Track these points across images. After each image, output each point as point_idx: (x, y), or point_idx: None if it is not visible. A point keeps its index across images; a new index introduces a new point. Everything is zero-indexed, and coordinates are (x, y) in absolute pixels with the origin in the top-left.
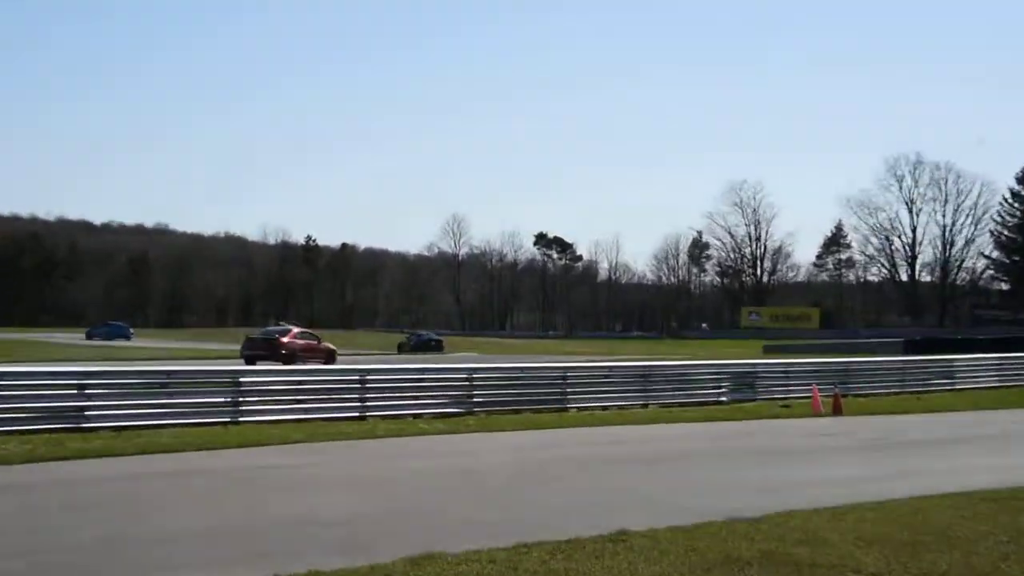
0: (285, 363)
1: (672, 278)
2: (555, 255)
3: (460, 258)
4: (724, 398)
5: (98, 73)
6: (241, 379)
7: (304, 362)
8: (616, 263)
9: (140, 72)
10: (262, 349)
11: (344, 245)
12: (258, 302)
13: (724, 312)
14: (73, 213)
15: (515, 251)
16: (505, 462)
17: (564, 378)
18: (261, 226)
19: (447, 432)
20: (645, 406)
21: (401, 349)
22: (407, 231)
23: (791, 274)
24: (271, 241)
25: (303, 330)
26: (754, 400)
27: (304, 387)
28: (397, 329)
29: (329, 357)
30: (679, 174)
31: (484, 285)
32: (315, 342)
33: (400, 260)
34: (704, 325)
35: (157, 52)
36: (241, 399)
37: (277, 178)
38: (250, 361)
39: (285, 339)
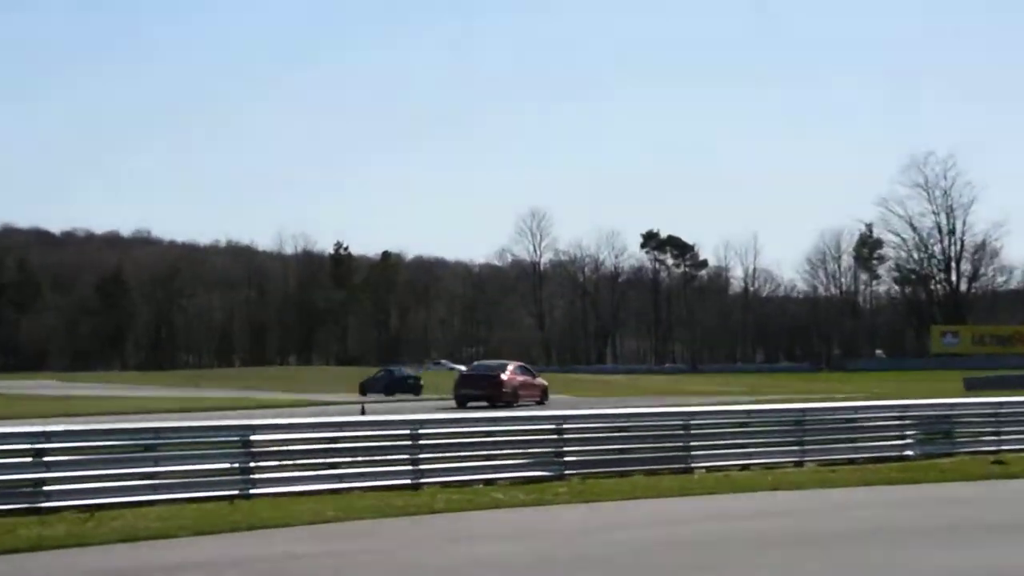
0: (505, 405)
1: (832, 288)
2: (671, 261)
3: (542, 267)
4: (910, 451)
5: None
6: (253, 437)
7: (520, 403)
8: (754, 270)
9: (115, 48)
10: (480, 388)
11: (387, 255)
12: (273, 332)
13: (906, 333)
14: (23, 220)
15: (616, 256)
16: (617, 545)
17: (687, 428)
18: (275, 232)
19: (531, 503)
20: (800, 464)
21: (365, 389)
22: (469, 235)
23: (1000, 280)
24: (288, 251)
25: (519, 364)
26: (952, 454)
27: (337, 445)
28: (448, 365)
29: (544, 395)
30: (838, 148)
31: (575, 303)
32: (531, 378)
33: (461, 272)
34: (879, 352)
35: (138, 29)
36: (253, 464)
37: (296, 170)
38: (463, 403)
39: (505, 376)
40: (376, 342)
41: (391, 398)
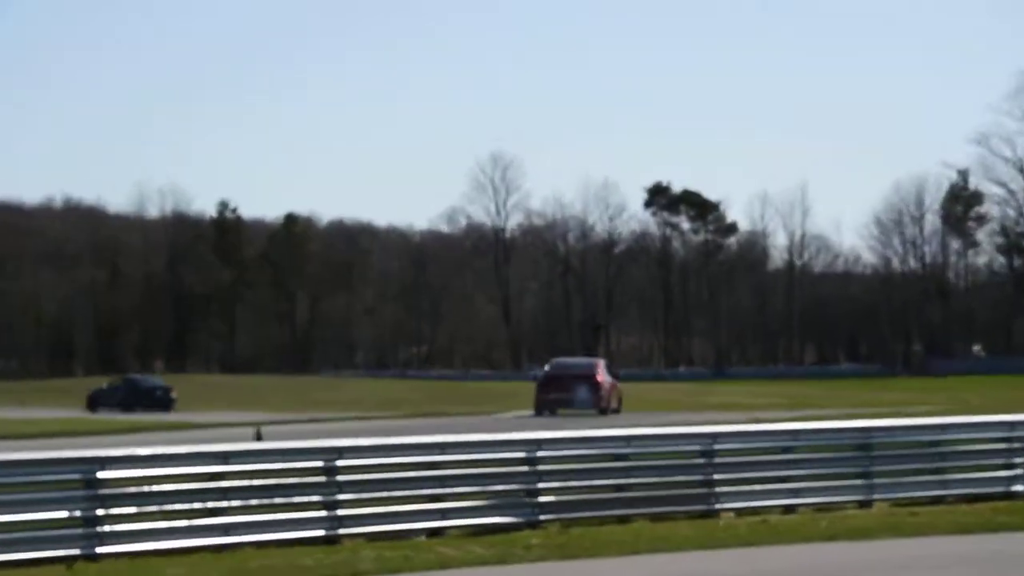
0: (601, 413)
1: (912, 261)
2: (687, 225)
3: (508, 234)
4: (1020, 486)
5: None
6: (101, 474)
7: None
8: (802, 236)
9: None
10: (569, 391)
11: (292, 219)
12: (129, 329)
13: (1014, 323)
14: None
15: (611, 220)
16: None
17: (710, 455)
18: (133, 188)
19: (493, 561)
20: (866, 504)
21: (95, 403)
22: (407, 192)
23: None
24: (152, 214)
25: (602, 360)
26: None
27: (223, 484)
28: (391, 372)
29: (620, 403)
30: (917, 66)
31: (554, 284)
32: (616, 380)
33: (396, 243)
34: (977, 348)
35: None
36: (101, 511)
37: (161, 104)
38: (546, 410)
39: (600, 376)
40: (275, 341)
41: (129, 414)
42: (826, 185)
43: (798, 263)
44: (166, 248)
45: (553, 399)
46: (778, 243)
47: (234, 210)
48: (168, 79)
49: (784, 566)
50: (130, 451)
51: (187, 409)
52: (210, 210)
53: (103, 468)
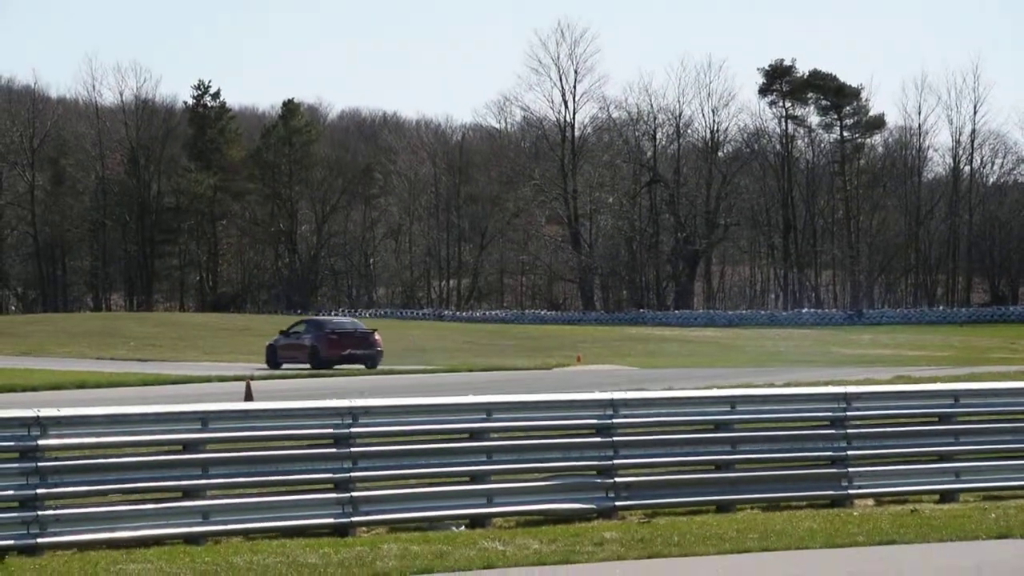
0: None
1: None
2: (816, 119)
3: (577, 131)
4: None
5: None
6: (43, 440)
7: None
8: (973, 134)
9: None
10: None
11: (291, 107)
12: (80, 250)
13: None
14: None
15: (714, 112)
16: None
17: (843, 423)
18: (82, 66)
19: (554, 561)
20: None
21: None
22: (443, 75)
23: None
24: (109, 99)
25: None
26: None
27: (200, 456)
28: (422, 313)
29: None
30: None
31: (637, 197)
32: None
33: (430, 142)
34: None
35: None
36: (43, 490)
37: None
38: None
39: None
40: (270, 271)
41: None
42: (1005, 66)
43: (966, 170)
44: (125, 145)
45: None
46: (940, 143)
47: (216, 95)
48: None
49: (939, 571)
50: (80, 411)
51: (154, 357)
52: (184, 95)
53: (44, 433)
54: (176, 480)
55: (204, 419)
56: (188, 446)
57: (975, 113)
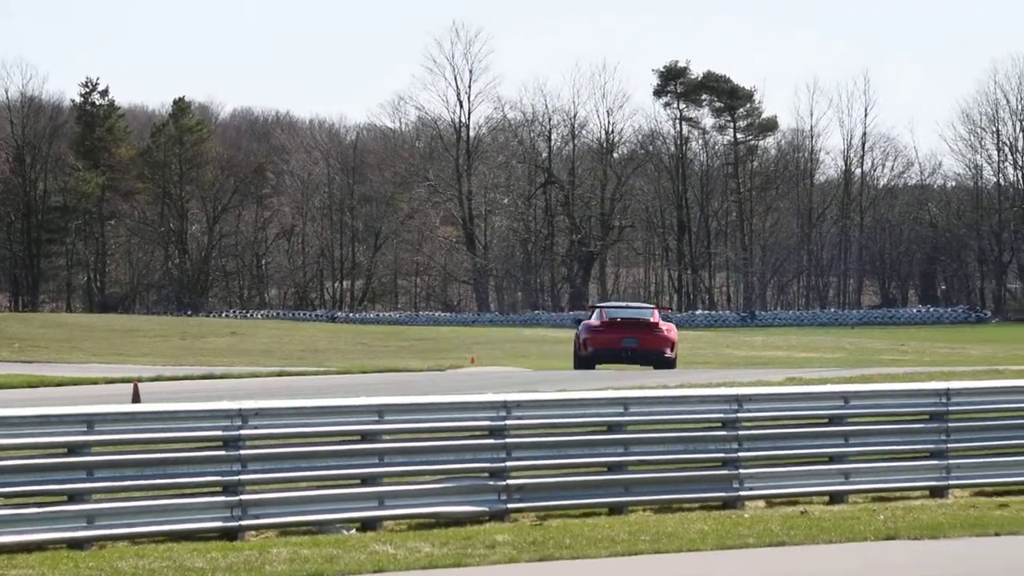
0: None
1: (1013, 171)
2: (710, 120)
3: (471, 132)
4: None
5: None
6: None
7: None
8: (864, 136)
9: None
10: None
11: (182, 105)
12: None
13: None
14: None
15: (609, 113)
16: None
17: (734, 424)
18: None
19: (445, 564)
20: (940, 492)
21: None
22: (337, 74)
23: None
24: None
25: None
26: None
27: (85, 459)
28: (315, 314)
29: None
30: None
31: (533, 199)
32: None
33: (323, 142)
34: None
35: None
36: None
37: None
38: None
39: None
40: (159, 272)
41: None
42: (895, 70)
43: (857, 173)
44: (11, 143)
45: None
46: (831, 146)
47: (104, 93)
48: None
49: (828, 573)
50: None
51: (39, 359)
52: (71, 93)
53: None
54: (60, 484)
55: (89, 421)
56: (73, 449)
57: (866, 116)
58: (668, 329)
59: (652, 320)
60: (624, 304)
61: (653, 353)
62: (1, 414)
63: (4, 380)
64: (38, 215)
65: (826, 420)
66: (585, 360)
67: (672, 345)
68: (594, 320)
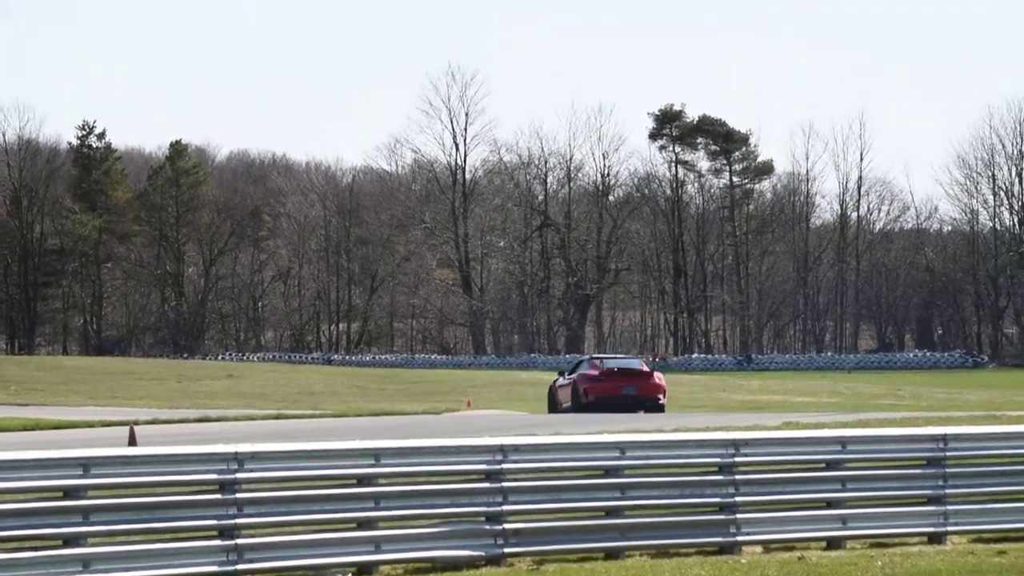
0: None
1: (1009, 216)
2: (706, 164)
3: (467, 175)
4: None
5: None
6: None
7: None
8: (860, 180)
9: None
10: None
11: (179, 148)
12: None
13: None
14: None
15: (604, 156)
16: None
17: (730, 469)
18: None
19: None
20: (938, 538)
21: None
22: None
23: None
24: None
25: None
26: None
27: (80, 503)
28: (311, 357)
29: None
30: None
31: (529, 242)
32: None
33: (319, 185)
34: None
35: None
36: None
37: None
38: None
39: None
40: (155, 315)
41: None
42: (891, 114)
43: (853, 217)
44: (8, 186)
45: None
46: (827, 190)
47: (101, 136)
48: None
49: None
50: None
51: (36, 402)
52: (68, 136)
53: None
54: (56, 527)
55: (86, 465)
56: (69, 492)
57: (861, 160)
58: (659, 377)
59: (646, 369)
60: (611, 355)
61: (649, 400)
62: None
63: (0, 423)
64: (35, 258)
65: (823, 465)
66: (585, 407)
67: (664, 392)
68: (590, 371)
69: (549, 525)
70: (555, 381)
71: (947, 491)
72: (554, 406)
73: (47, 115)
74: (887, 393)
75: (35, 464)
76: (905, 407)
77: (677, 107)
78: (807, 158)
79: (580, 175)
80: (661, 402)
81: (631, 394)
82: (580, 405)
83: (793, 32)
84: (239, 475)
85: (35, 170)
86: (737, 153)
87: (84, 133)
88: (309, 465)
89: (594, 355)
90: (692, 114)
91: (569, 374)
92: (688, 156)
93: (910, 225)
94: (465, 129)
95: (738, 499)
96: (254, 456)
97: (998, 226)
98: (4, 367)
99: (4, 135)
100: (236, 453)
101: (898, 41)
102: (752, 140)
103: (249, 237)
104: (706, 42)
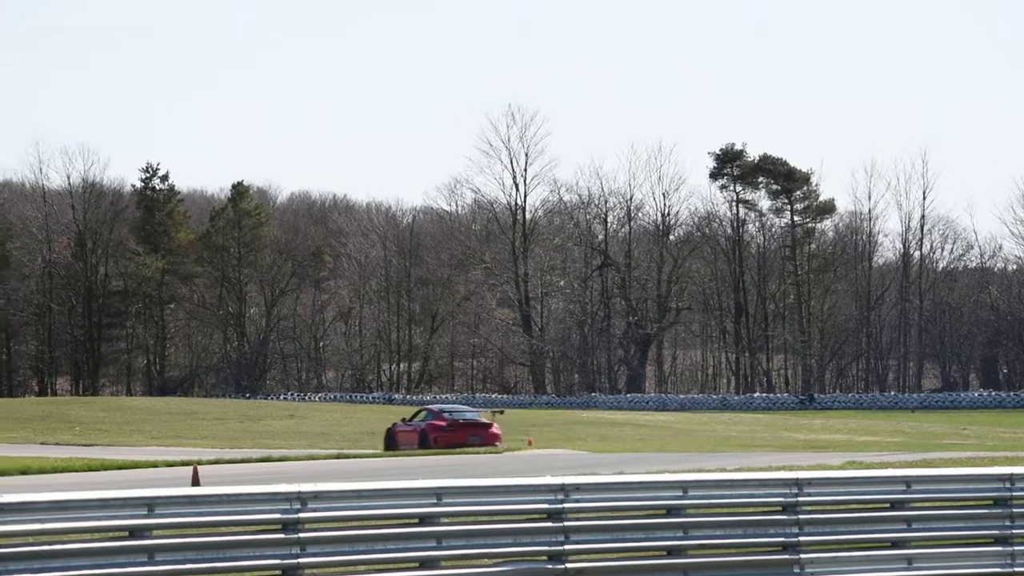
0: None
1: None
2: (766, 203)
3: (527, 215)
4: None
5: None
6: None
7: None
8: (923, 219)
9: None
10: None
11: (240, 189)
12: (19, 332)
13: None
14: None
15: (664, 196)
16: None
17: (794, 508)
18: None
19: None
20: None
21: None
22: (394, 160)
23: None
24: (56, 181)
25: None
26: None
27: (146, 543)
28: (372, 397)
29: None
30: None
31: (589, 281)
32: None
33: (380, 225)
34: None
35: None
36: None
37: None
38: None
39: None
40: (218, 355)
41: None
42: (954, 152)
43: (916, 255)
44: (72, 229)
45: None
46: (889, 228)
47: (164, 178)
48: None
49: None
50: (22, 497)
51: (100, 442)
52: (132, 178)
53: None
54: (121, 567)
55: (150, 504)
56: (134, 532)
57: (924, 199)
58: (497, 427)
59: (486, 421)
60: (453, 407)
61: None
62: (63, 498)
63: (65, 464)
64: (99, 299)
65: (888, 505)
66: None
67: (500, 439)
68: (438, 421)
69: (611, 564)
70: (394, 424)
71: (1014, 531)
72: (393, 448)
73: (111, 158)
74: (951, 433)
75: (101, 504)
76: (970, 447)
77: (738, 146)
78: (869, 197)
79: (640, 214)
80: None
81: (476, 443)
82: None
83: (854, 71)
84: (302, 514)
85: (99, 212)
86: (798, 192)
87: (147, 175)
88: (371, 504)
89: (432, 406)
90: (753, 153)
91: (410, 420)
92: (749, 195)
93: (974, 264)
94: (525, 169)
95: (802, 539)
96: (317, 495)
97: None
98: (69, 408)
99: (69, 178)
100: (299, 492)
101: (961, 79)
102: (813, 179)
103: (310, 277)
104: (766, 81)
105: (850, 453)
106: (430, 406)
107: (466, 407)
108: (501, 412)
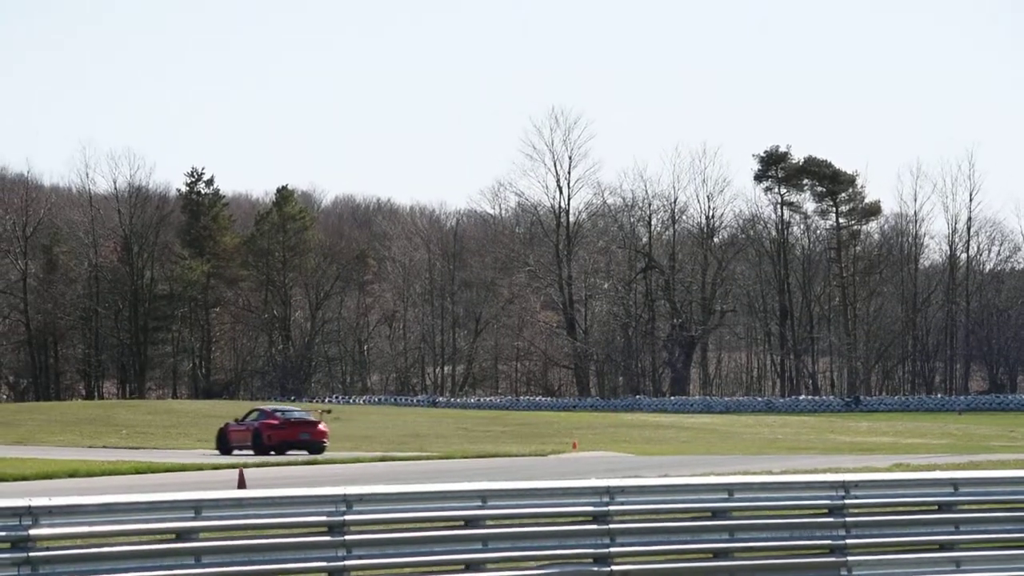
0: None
1: None
2: (811, 206)
3: (571, 218)
4: None
5: None
6: (35, 531)
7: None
8: (969, 221)
9: None
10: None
11: (285, 193)
12: (67, 335)
13: None
14: None
15: (709, 198)
16: None
17: (841, 511)
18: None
19: None
20: None
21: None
22: (439, 162)
23: None
24: (103, 186)
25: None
26: None
27: (193, 545)
28: (416, 399)
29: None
30: None
31: (633, 283)
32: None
33: (424, 228)
34: None
35: None
36: None
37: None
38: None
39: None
40: (263, 358)
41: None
42: (1002, 153)
43: (963, 257)
44: (118, 233)
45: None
46: (936, 230)
47: (209, 182)
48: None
49: None
50: (72, 500)
51: (147, 445)
52: (177, 182)
53: (36, 523)
54: (169, 570)
55: (197, 507)
56: (181, 535)
57: (971, 201)
58: (324, 426)
59: (314, 419)
60: (283, 407)
61: (318, 444)
62: (110, 500)
63: (112, 467)
64: (145, 303)
65: (936, 507)
66: (266, 449)
67: (328, 436)
68: (271, 420)
69: (657, 567)
70: (227, 424)
71: None
72: (225, 447)
73: (157, 163)
74: (999, 435)
75: (148, 507)
76: (1018, 448)
77: (783, 148)
78: (915, 199)
79: (684, 217)
80: (325, 445)
81: (306, 439)
82: (262, 448)
83: (900, 72)
84: (347, 517)
85: (145, 217)
86: (843, 194)
87: (193, 180)
88: (417, 507)
89: (263, 406)
90: (798, 155)
91: (242, 420)
92: (794, 197)
93: (1021, 266)
94: (569, 172)
95: (848, 541)
96: (362, 498)
97: None
98: (116, 411)
99: (115, 183)
100: (345, 495)
101: (1007, 79)
102: (859, 181)
103: (355, 281)
104: (811, 83)
105: (897, 456)
106: (260, 406)
107: (295, 407)
108: (328, 411)
